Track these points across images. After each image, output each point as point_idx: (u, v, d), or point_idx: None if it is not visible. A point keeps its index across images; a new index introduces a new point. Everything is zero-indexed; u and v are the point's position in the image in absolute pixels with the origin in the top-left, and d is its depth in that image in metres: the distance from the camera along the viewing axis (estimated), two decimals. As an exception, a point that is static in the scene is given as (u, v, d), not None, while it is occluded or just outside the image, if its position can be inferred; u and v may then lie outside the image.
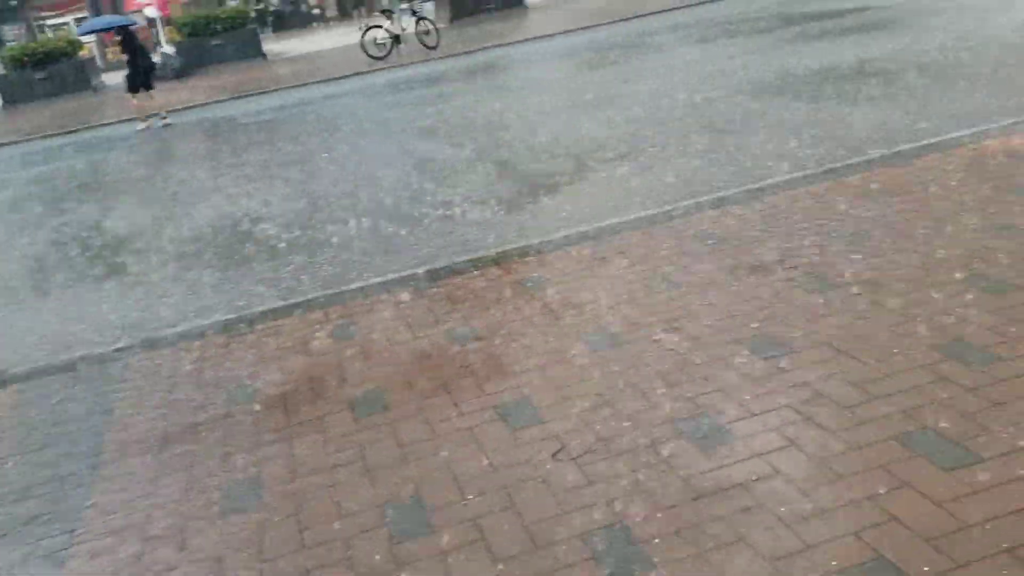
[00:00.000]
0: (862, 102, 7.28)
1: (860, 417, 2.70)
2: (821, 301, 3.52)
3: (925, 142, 5.44)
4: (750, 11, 15.80)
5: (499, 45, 18.02)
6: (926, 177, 4.78)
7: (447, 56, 17.70)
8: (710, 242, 4.41)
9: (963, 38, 9.23)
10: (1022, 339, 2.96)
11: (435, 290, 4.48)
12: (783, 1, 16.19)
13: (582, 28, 18.36)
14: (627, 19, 18.45)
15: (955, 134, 5.49)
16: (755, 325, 3.41)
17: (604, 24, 18.28)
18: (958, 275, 3.52)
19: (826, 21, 12.60)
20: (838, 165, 5.31)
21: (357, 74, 17.22)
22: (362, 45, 18.65)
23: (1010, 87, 6.80)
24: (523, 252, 4.81)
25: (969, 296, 3.33)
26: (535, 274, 4.44)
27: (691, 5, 18.77)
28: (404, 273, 4.82)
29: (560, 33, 18.26)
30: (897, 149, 5.41)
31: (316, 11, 40.46)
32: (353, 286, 4.78)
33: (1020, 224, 3.91)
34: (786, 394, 2.90)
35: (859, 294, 3.52)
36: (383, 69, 17.29)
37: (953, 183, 4.60)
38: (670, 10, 18.53)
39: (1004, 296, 3.28)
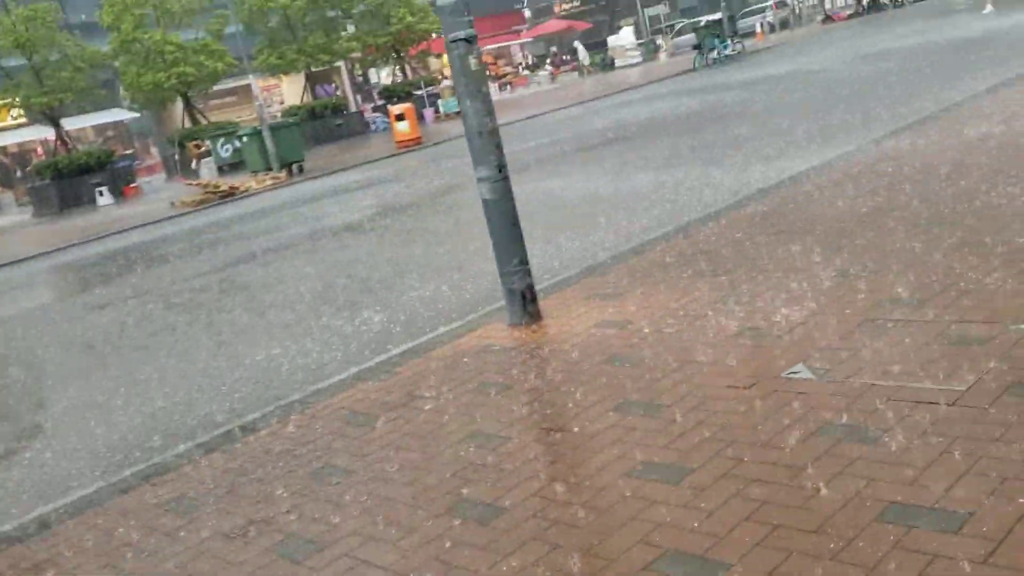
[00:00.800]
0: (351, 313, 7.20)
1: None
2: (310, 571, 2.99)
3: (400, 349, 5.36)
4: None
5: None
6: (406, 388, 4.60)
7: None
8: (172, 515, 3.69)
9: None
10: (516, 578, 2.69)
11: None
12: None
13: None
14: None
15: (433, 334, 5.51)
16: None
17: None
18: (445, 505, 3.24)
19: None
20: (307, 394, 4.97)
21: None
22: None
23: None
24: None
25: (459, 531, 3.03)
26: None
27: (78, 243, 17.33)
28: None
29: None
30: (359, 368, 5.24)
31: None
32: None
33: (501, 431, 3.81)
34: None
35: (341, 556, 3.05)
36: None
37: (431, 389, 4.46)
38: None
39: (491, 524, 3.03)
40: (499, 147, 5.14)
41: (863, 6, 44.23)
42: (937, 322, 3.87)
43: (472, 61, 5.03)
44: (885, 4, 42.83)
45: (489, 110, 5.09)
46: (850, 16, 43.31)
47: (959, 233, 5.04)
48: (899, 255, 4.90)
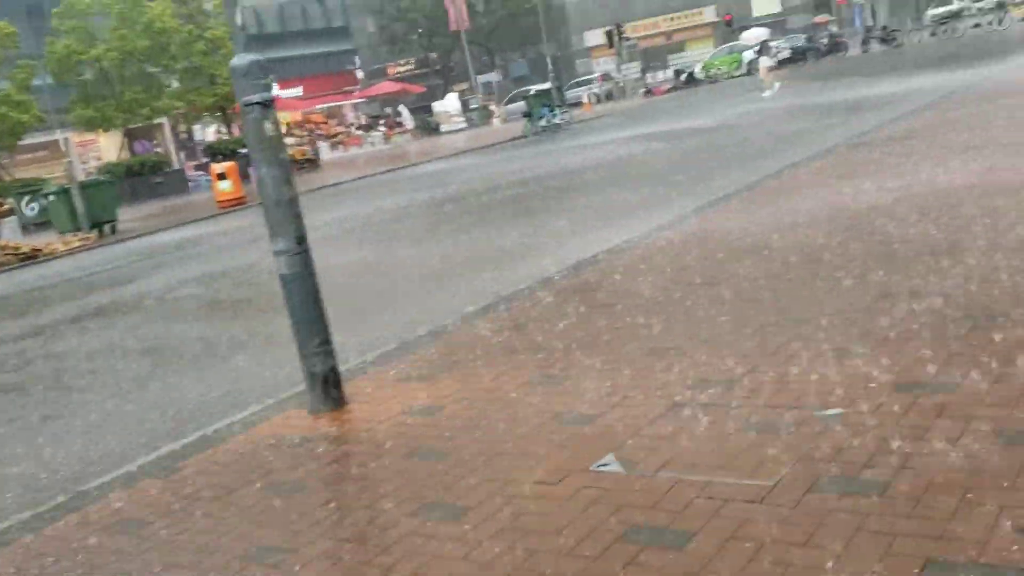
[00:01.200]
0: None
1: None
2: None
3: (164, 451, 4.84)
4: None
5: None
6: (187, 487, 4.10)
7: None
8: None
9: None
10: None
11: None
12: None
13: None
14: None
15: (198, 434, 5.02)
16: None
17: None
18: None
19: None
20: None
21: None
22: None
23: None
24: None
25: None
26: None
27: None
28: None
29: None
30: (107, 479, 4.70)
31: None
32: None
33: (287, 543, 3.38)
34: None
35: None
36: None
37: (214, 489, 3.99)
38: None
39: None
40: (299, 217, 4.79)
41: (681, 81, 46.97)
42: (745, 407, 3.77)
43: (268, 126, 4.68)
44: (700, 80, 45.70)
45: (287, 178, 4.75)
46: (669, 90, 45.83)
47: (769, 311, 5.06)
48: (713, 333, 4.85)
